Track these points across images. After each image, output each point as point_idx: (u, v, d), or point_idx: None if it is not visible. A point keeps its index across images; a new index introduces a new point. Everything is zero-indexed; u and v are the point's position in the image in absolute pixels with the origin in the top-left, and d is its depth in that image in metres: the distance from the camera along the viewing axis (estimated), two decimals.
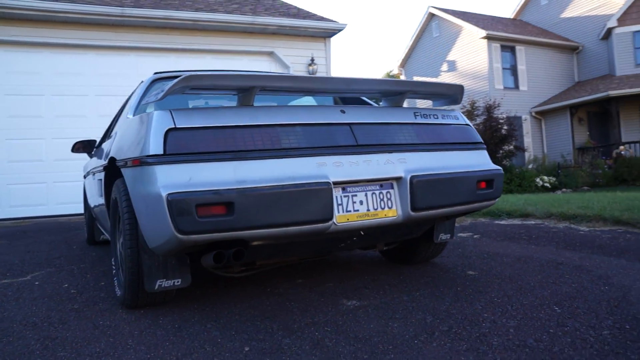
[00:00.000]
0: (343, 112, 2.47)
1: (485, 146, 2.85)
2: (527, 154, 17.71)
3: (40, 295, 2.86)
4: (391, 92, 2.71)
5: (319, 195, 2.12)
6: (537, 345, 1.82)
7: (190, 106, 3.41)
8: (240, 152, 2.11)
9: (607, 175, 14.93)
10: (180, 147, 2.05)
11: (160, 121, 2.10)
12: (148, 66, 7.93)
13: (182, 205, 1.91)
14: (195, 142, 2.07)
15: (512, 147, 15.07)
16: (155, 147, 2.04)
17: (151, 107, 2.93)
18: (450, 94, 2.84)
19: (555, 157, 17.54)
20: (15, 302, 2.75)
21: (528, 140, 18.93)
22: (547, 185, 14.21)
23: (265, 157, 2.14)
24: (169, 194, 1.91)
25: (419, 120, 2.66)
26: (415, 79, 21.91)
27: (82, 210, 7.35)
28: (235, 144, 2.12)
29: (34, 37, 7.73)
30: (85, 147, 4.22)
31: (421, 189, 2.38)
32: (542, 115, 19.43)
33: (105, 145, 3.41)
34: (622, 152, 16.12)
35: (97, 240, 4.65)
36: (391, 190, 2.39)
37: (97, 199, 3.62)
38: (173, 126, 2.08)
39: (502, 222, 5.11)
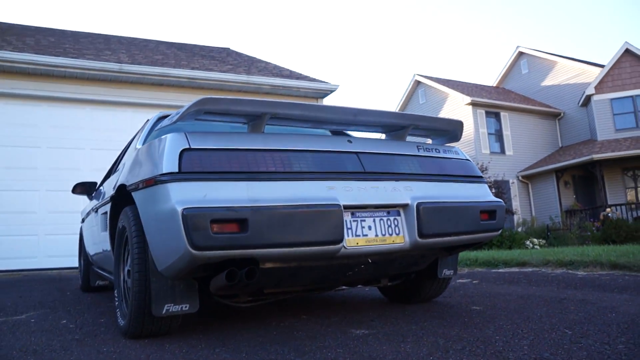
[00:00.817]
0: (350, 142, 2.55)
1: (485, 180, 2.92)
2: (515, 217, 17.88)
3: (38, 329, 2.79)
4: (395, 125, 2.80)
5: (330, 217, 2.15)
6: (554, 357, 1.81)
7: None
8: (253, 173, 2.16)
9: (595, 237, 15.07)
10: (195, 166, 2.09)
11: (175, 142, 2.15)
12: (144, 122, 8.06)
13: (197, 220, 1.93)
14: (209, 162, 2.12)
15: None
16: (170, 165, 2.08)
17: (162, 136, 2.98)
18: (450, 130, 2.94)
19: (543, 219, 17.71)
20: (11, 334, 2.68)
21: (516, 204, 19.16)
22: (537, 247, 14.27)
23: (277, 178, 2.19)
24: (184, 209, 1.93)
25: (422, 153, 2.74)
26: None
27: (73, 264, 7.27)
28: (248, 165, 2.17)
29: (33, 90, 7.89)
30: (85, 188, 4.23)
31: (427, 215, 2.42)
32: (528, 179, 19.79)
33: (108, 182, 3.43)
34: (609, 215, 16.34)
35: (93, 285, 4.57)
36: (398, 217, 2.43)
37: (98, 238, 3.60)
38: (188, 147, 2.13)
39: (500, 270, 5.11)
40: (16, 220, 7.59)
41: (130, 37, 12.24)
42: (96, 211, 3.71)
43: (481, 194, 2.78)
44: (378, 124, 2.81)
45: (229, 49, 13.18)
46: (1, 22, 10.96)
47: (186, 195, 2.01)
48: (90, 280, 4.58)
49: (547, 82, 21.71)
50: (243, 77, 9.16)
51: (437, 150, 2.83)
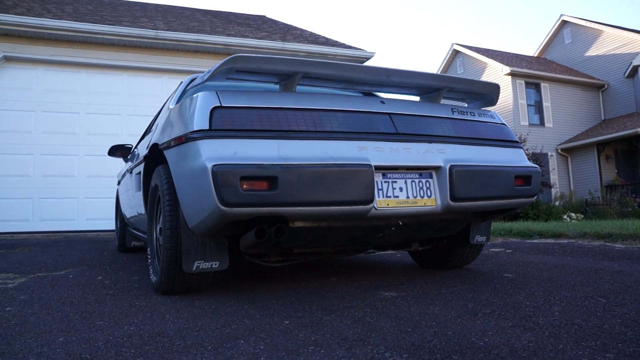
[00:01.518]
0: (383, 102, 2.50)
1: (521, 145, 2.84)
2: (553, 191, 17.48)
3: (75, 284, 2.88)
4: (429, 87, 2.73)
5: (360, 177, 2.12)
6: (586, 323, 1.76)
7: None
8: (284, 131, 2.14)
9: (637, 212, 14.62)
10: (226, 124, 2.08)
11: (206, 100, 2.15)
12: None
13: (226, 177, 1.93)
14: (240, 120, 2.11)
15: None
16: (201, 123, 2.08)
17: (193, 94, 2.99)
18: (486, 93, 2.86)
19: (582, 194, 17.26)
20: (51, 287, 2.77)
21: (554, 177, 18.69)
22: (575, 221, 13.96)
23: (308, 137, 2.16)
24: (214, 165, 1.94)
25: (457, 116, 2.67)
26: None
27: (111, 227, 7.48)
28: (279, 124, 2.15)
29: (72, 57, 8.05)
30: (122, 151, 4.31)
31: (460, 179, 2.37)
32: (568, 152, 19.24)
33: (142, 143, 3.48)
34: None
35: (129, 246, 4.69)
36: (430, 180, 2.39)
37: (133, 199, 3.67)
38: (219, 104, 2.13)
39: (534, 241, 5.02)
40: (57, 183, 7.83)
41: (166, 5, 12.27)
42: (131, 172, 3.77)
43: (516, 158, 2.70)
44: (412, 86, 2.74)
45: (264, 16, 13.08)
46: None
47: (216, 152, 2.01)
48: (126, 241, 4.70)
49: (591, 52, 20.86)
50: (278, 44, 9.09)
51: (472, 114, 2.75)
